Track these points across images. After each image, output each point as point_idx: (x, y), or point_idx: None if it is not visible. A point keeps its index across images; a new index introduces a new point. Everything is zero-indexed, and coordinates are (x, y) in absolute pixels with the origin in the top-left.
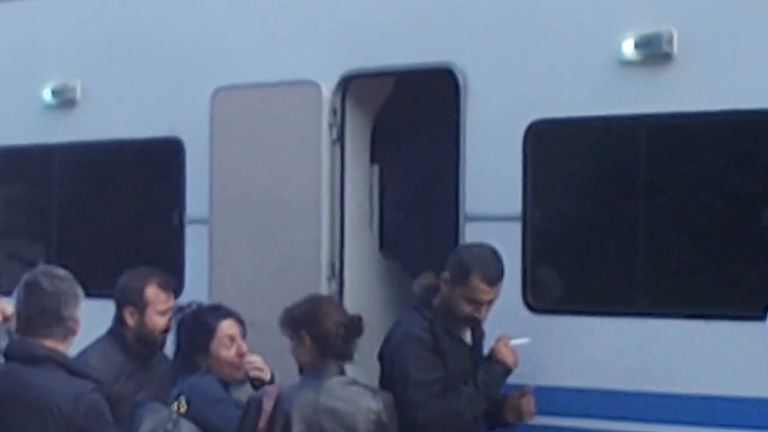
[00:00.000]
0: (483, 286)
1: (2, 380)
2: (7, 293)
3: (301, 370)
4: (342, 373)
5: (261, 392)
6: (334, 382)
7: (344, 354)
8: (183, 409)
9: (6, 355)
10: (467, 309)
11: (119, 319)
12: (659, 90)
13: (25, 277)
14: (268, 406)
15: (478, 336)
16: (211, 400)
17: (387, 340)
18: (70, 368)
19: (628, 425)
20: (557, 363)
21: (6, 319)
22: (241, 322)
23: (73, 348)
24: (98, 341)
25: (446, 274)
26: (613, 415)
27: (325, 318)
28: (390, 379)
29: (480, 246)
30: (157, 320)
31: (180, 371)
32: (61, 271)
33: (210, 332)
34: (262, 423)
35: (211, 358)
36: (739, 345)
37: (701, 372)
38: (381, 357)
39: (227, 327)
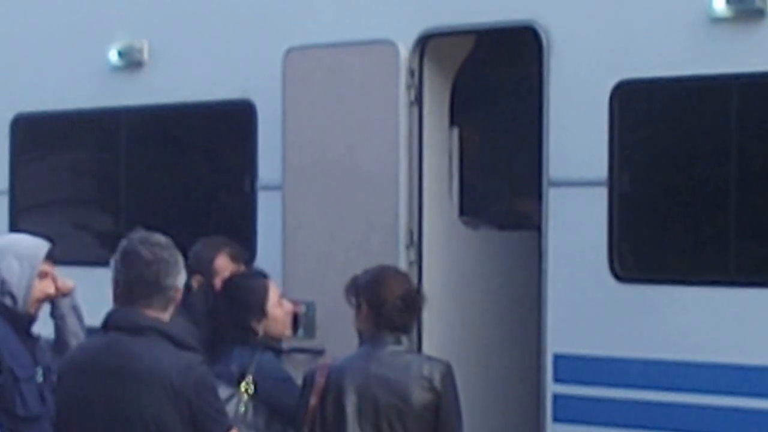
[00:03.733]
0: None
1: (106, 350)
2: (65, 263)
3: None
4: (398, 343)
5: (314, 366)
6: (386, 352)
7: (399, 326)
8: (251, 391)
9: (106, 325)
10: None
11: (188, 286)
12: (752, 48)
13: (123, 244)
14: (320, 379)
15: None
16: (279, 380)
17: None
18: (174, 339)
19: (724, 399)
20: (644, 334)
21: (65, 294)
22: None
23: None
24: None
25: None
26: (707, 389)
27: (384, 288)
28: None
29: None
30: None
31: (232, 341)
32: (160, 238)
33: (264, 291)
34: (314, 397)
35: (266, 319)
36: None
37: None
38: None
39: (273, 285)
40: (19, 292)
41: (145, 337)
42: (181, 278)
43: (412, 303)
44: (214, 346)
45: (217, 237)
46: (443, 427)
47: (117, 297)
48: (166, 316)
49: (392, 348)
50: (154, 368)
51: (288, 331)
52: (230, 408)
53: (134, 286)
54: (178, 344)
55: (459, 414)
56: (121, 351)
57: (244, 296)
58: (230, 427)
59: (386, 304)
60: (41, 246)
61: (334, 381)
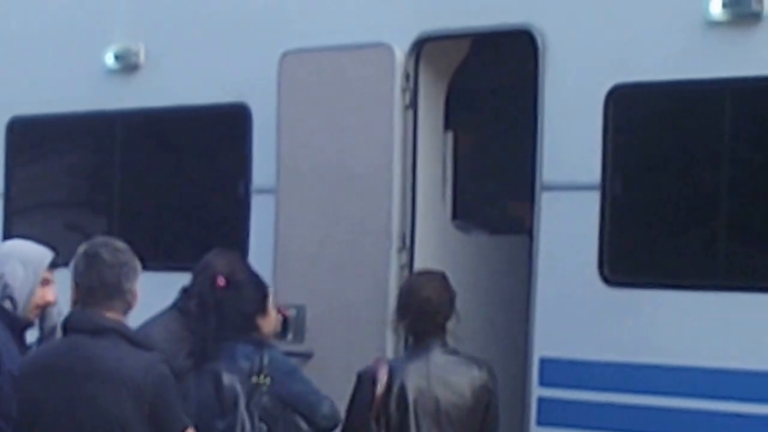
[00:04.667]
0: None
1: (67, 351)
2: (61, 265)
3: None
4: (444, 344)
5: (372, 365)
6: (438, 353)
7: (428, 331)
8: (267, 383)
9: (66, 327)
10: None
11: (185, 290)
12: (748, 52)
13: (84, 248)
14: (383, 377)
15: None
16: (290, 372)
17: None
18: (133, 340)
19: (711, 404)
20: (633, 338)
21: (46, 305)
22: None
23: (133, 320)
24: (162, 314)
25: None
26: (694, 393)
27: (409, 297)
28: None
29: None
30: None
31: (236, 335)
32: (119, 243)
33: (266, 291)
34: (380, 391)
35: (267, 317)
36: None
37: None
38: None
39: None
40: (20, 297)
41: (105, 338)
42: (138, 283)
43: (429, 309)
44: (216, 342)
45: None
46: (490, 419)
47: (77, 299)
48: (123, 318)
49: (441, 349)
50: (116, 368)
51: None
52: (254, 399)
53: (96, 289)
54: (137, 344)
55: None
56: (83, 352)
57: (251, 292)
58: (187, 425)
59: (409, 314)
60: (46, 254)
61: (397, 380)
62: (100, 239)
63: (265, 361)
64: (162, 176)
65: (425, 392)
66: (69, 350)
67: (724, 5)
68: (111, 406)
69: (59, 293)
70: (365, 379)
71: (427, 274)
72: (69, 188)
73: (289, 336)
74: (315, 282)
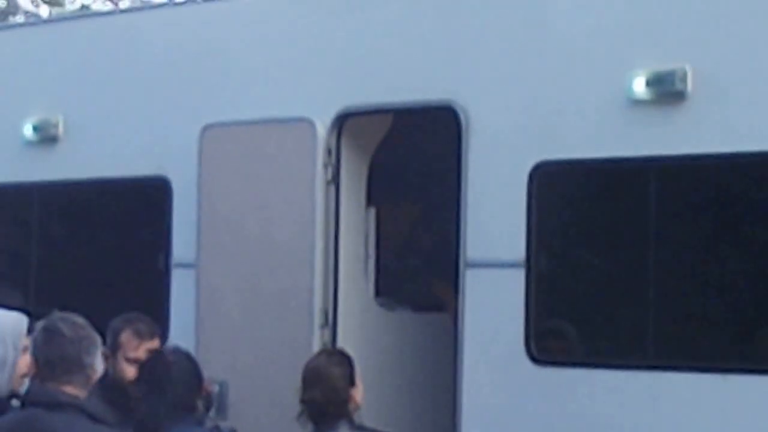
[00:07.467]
0: None
1: (24, 425)
2: None
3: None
4: (350, 422)
5: None
6: (346, 430)
7: (338, 414)
8: None
9: (25, 402)
10: None
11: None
12: (672, 130)
13: (44, 322)
14: None
15: None
16: None
17: None
18: (92, 415)
19: None
20: (561, 418)
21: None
22: None
23: None
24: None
25: None
26: None
27: (306, 385)
28: None
29: None
30: (125, 367)
31: (177, 415)
32: (79, 318)
33: (201, 373)
34: None
35: (201, 397)
36: (755, 400)
37: (715, 428)
38: None
39: None
40: (2, 374)
41: (63, 413)
42: (99, 358)
43: (335, 387)
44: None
45: (133, 313)
46: None
47: (36, 374)
48: (83, 393)
49: (347, 426)
50: None
51: None
52: None
53: (56, 363)
54: (95, 419)
55: None
56: (39, 426)
57: (191, 374)
58: None
59: (316, 395)
60: (21, 320)
61: None
62: (59, 314)
63: None
64: (81, 250)
65: None
66: (25, 424)
67: (648, 84)
68: None
69: None
70: None
71: (328, 354)
72: None
73: (212, 412)
74: (237, 358)
